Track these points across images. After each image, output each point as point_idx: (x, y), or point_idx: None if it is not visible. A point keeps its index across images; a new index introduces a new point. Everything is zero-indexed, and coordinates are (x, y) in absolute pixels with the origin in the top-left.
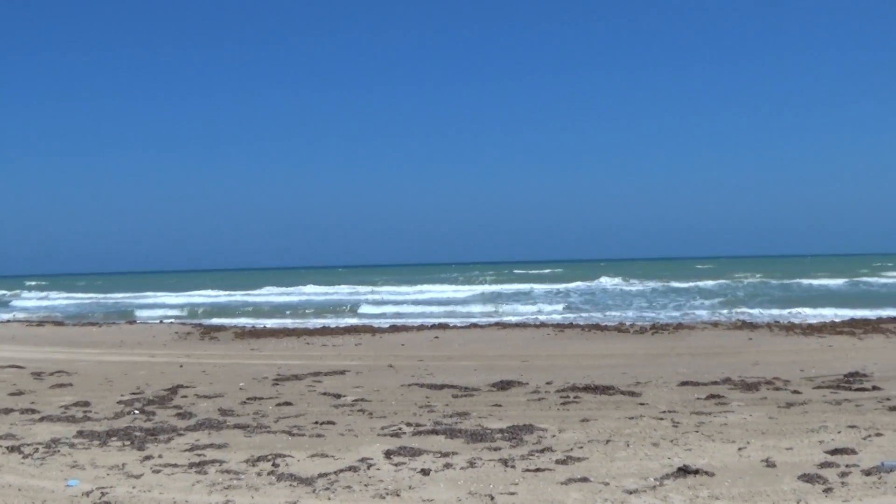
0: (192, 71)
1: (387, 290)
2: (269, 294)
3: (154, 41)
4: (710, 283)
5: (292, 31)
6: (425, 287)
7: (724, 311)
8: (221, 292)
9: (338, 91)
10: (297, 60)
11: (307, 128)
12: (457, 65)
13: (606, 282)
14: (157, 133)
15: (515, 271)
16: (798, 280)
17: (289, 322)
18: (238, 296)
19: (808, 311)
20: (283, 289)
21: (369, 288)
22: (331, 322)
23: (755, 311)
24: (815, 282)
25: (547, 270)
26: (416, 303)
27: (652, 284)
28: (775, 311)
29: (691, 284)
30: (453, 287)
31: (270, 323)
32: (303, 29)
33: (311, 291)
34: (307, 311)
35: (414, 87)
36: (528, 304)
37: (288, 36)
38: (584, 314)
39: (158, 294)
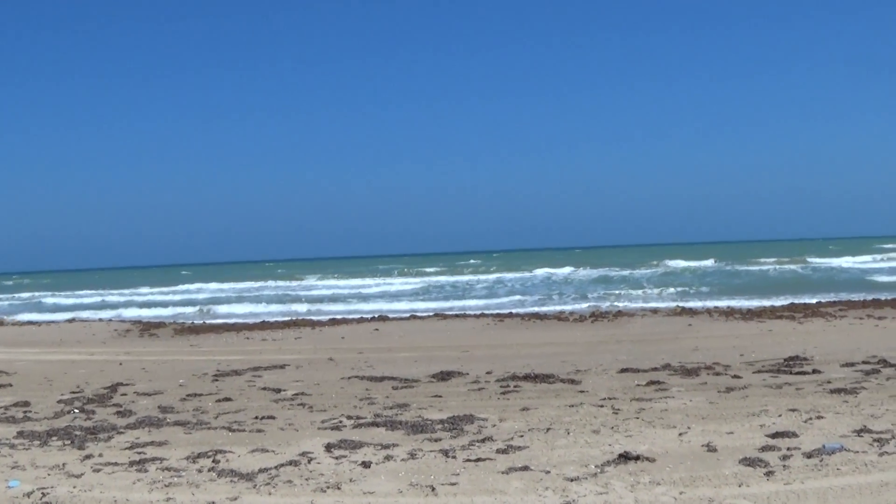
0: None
1: (324, 284)
2: (200, 292)
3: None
4: (646, 271)
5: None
6: (356, 281)
7: (664, 298)
8: (154, 289)
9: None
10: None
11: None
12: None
13: (545, 271)
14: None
15: (458, 263)
16: (739, 266)
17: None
18: (169, 294)
19: (747, 296)
20: (220, 285)
21: (297, 282)
22: (270, 315)
23: (694, 298)
24: (756, 267)
25: (474, 261)
26: (346, 298)
27: (592, 272)
28: (715, 298)
29: (629, 272)
30: (389, 279)
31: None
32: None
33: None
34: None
35: (340, 69)
36: (469, 296)
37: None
38: (523, 303)
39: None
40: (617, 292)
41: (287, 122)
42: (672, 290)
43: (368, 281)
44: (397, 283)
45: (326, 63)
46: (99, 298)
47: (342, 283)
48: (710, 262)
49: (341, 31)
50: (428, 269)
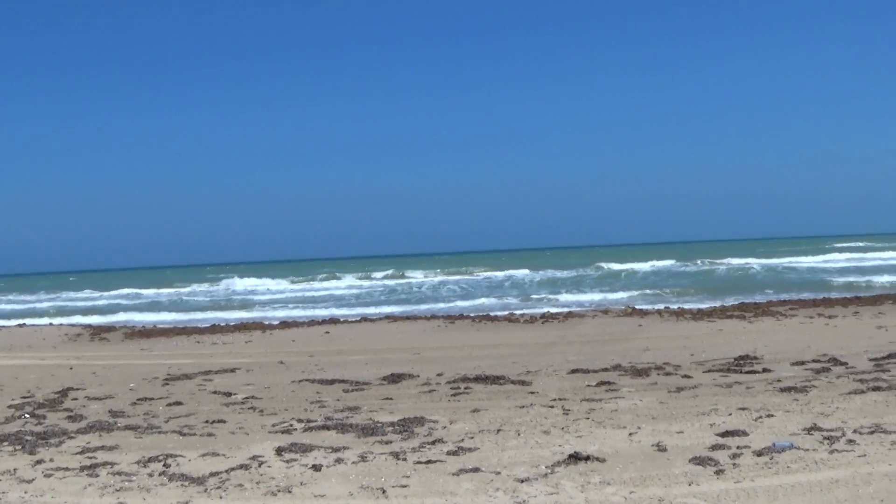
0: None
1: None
2: (151, 296)
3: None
4: (593, 272)
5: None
6: (303, 285)
7: (614, 298)
8: (104, 292)
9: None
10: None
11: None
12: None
13: (490, 274)
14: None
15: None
16: (687, 266)
17: (180, 320)
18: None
19: (698, 296)
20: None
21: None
22: (221, 319)
23: (643, 298)
24: (705, 267)
25: (407, 267)
26: (290, 302)
27: (535, 275)
28: (664, 298)
29: (576, 273)
30: (336, 283)
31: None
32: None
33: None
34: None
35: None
36: (415, 301)
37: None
38: (476, 305)
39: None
40: (563, 293)
41: (222, 125)
42: (622, 293)
43: (315, 285)
44: (343, 287)
45: (263, 63)
46: (48, 304)
47: (273, 285)
48: (658, 263)
49: (279, 32)
50: (376, 274)
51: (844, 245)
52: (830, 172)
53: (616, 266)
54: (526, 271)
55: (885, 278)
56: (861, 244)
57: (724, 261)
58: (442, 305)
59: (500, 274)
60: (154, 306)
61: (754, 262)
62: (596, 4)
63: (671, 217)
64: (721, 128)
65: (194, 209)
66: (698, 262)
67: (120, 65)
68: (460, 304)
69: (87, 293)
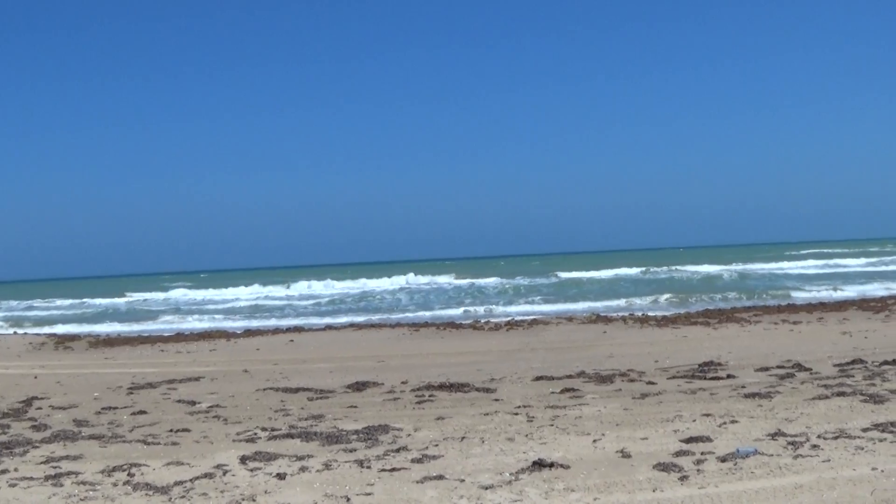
0: None
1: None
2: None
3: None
4: (551, 280)
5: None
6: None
7: (576, 308)
8: (70, 300)
9: None
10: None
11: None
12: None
13: (454, 281)
14: None
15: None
16: (651, 273)
17: (145, 329)
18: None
19: (663, 303)
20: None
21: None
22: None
23: (612, 304)
24: (670, 275)
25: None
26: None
27: (504, 281)
28: (626, 305)
29: (542, 281)
30: (300, 291)
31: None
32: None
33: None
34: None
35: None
36: (372, 309)
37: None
38: (439, 312)
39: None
40: (522, 302)
41: (174, 132)
42: (583, 303)
43: (275, 292)
44: (300, 296)
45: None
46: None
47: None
48: (620, 271)
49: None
50: (340, 282)
51: (812, 251)
52: (799, 179)
53: (577, 274)
54: (493, 279)
55: (851, 286)
56: (829, 250)
57: (687, 268)
58: (405, 315)
59: (463, 282)
60: (112, 315)
61: (719, 269)
62: (552, 10)
63: (635, 225)
64: (689, 135)
65: (147, 217)
66: (662, 268)
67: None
68: (423, 313)
69: (39, 302)
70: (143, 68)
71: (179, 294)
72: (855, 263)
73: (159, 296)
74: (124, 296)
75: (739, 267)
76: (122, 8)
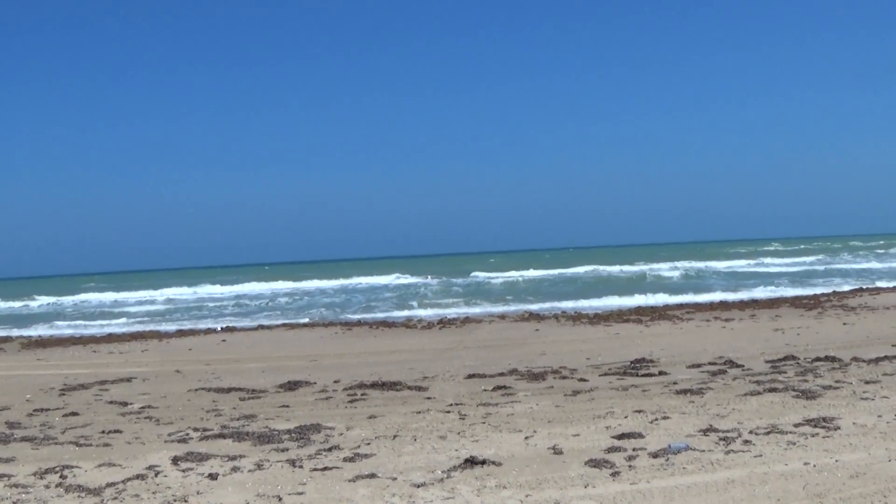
0: None
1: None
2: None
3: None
4: (466, 280)
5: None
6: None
7: (510, 304)
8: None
9: None
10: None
11: None
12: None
13: (389, 280)
14: None
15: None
16: (581, 270)
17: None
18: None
19: (594, 301)
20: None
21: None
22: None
23: (544, 304)
24: (602, 273)
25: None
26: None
27: (436, 280)
28: (561, 303)
29: (472, 278)
30: (231, 289)
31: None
32: None
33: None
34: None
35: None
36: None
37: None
38: (373, 312)
39: None
40: (458, 302)
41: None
42: (517, 296)
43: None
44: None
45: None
46: None
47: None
48: (549, 269)
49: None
50: (271, 283)
51: (746, 250)
52: (720, 179)
53: (494, 274)
54: (411, 276)
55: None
56: (768, 248)
57: (618, 267)
58: (339, 313)
59: (382, 280)
60: (47, 317)
61: (650, 267)
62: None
63: (555, 224)
64: (602, 130)
65: (84, 216)
66: (584, 268)
67: None
68: (358, 312)
69: None
70: (88, 67)
71: (103, 296)
72: (791, 262)
73: (83, 297)
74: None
75: (667, 264)
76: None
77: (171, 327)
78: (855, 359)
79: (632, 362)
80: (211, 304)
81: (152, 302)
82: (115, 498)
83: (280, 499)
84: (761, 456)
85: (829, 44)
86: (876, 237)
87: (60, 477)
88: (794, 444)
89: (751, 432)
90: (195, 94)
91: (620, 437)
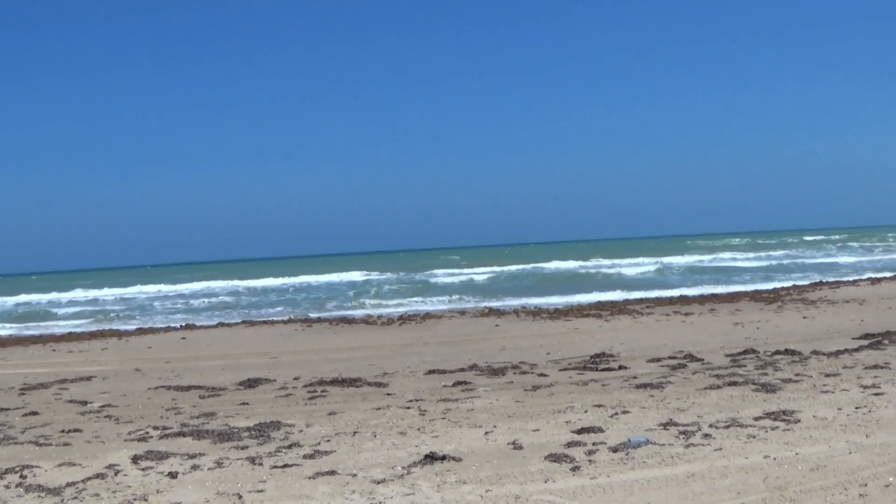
0: None
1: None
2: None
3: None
4: (454, 271)
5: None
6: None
7: (470, 300)
8: None
9: None
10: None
11: None
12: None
13: (348, 276)
14: None
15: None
16: (540, 265)
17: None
18: None
19: (554, 298)
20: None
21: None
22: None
23: (504, 300)
24: (559, 267)
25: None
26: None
27: (396, 276)
28: (520, 299)
29: (432, 274)
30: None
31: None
32: None
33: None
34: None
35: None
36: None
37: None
38: (333, 307)
39: None
40: (418, 298)
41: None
42: (476, 291)
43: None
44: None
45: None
46: None
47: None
48: (510, 264)
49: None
50: (222, 282)
51: (707, 243)
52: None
53: (454, 270)
54: (375, 273)
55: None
56: (729, 243)
57: (578, 263)
58: (300, 310)
59: (343, 277)
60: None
61: (610, 262)
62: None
63: (518, 220)
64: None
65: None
66: (547, 264)
67: None
68: (316, 309)
69: None
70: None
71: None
72: (749, 256)
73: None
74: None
75: (629, 260)
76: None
77: (130, 326)
78: (815, 352)
79: (592, 357)
80: (168, 303)
81: (95, 302)
82: (76, 497)
83: (240, 497)
84: (721, 449)
85: (791, 37)
86: (837, 230)
87: (20, 477)
88: (755, 437)
89: (711, 426)
90: (136, 92)
91: (580, 431)
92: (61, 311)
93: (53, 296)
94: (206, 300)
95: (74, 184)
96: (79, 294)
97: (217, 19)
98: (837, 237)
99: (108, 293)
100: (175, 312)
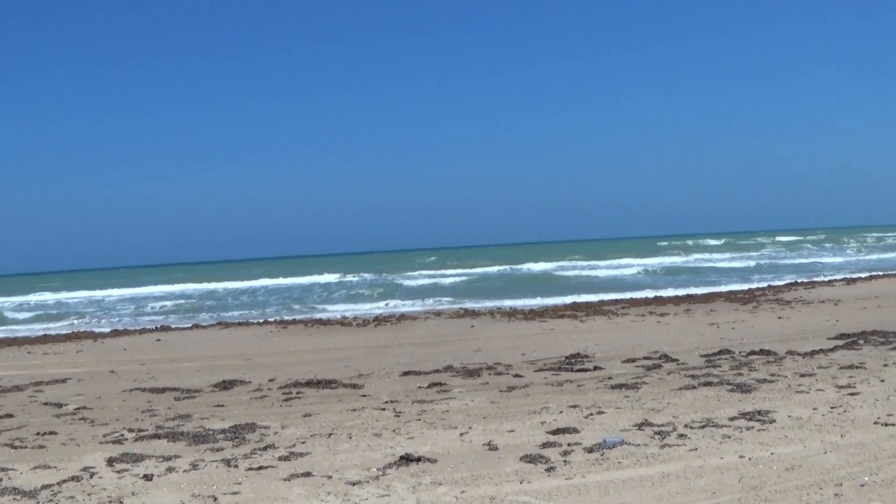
0: None
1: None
2: None
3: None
4: (431, 272)
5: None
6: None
7: (446, 301)
8: None
9: None
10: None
11: None
12: None
13: (324, 278)
14: None
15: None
16: (516, 266)
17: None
18: None
19: (529, 299)
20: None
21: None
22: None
23: (480, 301)
24: (534, 269)
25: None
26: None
27: (369, 277)
28: (495, 301)
29: (407, 276)
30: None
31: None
32: None
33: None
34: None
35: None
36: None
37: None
38: (301, 311)
39: None
40: (394, 301)
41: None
42: (452, 293)
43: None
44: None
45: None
46: None
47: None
48: (485, 266)
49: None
50: (205, 280)
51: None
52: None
53: (431, 272)
54: (351, 275)
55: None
56: (693, 244)
57: (554, 263)
58: (273, 312)
59: (319, 279)
60: None
61: (585, 264)
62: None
63: (497, 220)
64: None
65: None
66: (501, 268)
67: None
68: (291, 310)
69: None
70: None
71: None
72: (719, 258)
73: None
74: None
75: (604, 262)
76: None
77: (104, 328)
78: (790, 352)
79: (567, 358)
80: (137, 305)
81: (62, 305)
82: (51, 500)
83: (215, 499)
84: (696, 450)
85: (766, 38)
86: (814, 231)
87: None
88: (730, 437)
89: (686, 426)
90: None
91: (555, 432)
92: (22, 316)
93: (16, 299)
94: (182, 301)
95: (38, 185)
96: (46, 297)
97: (213, 18)
98: (814, 238)
99: (77, 296)
100: (147, 315)
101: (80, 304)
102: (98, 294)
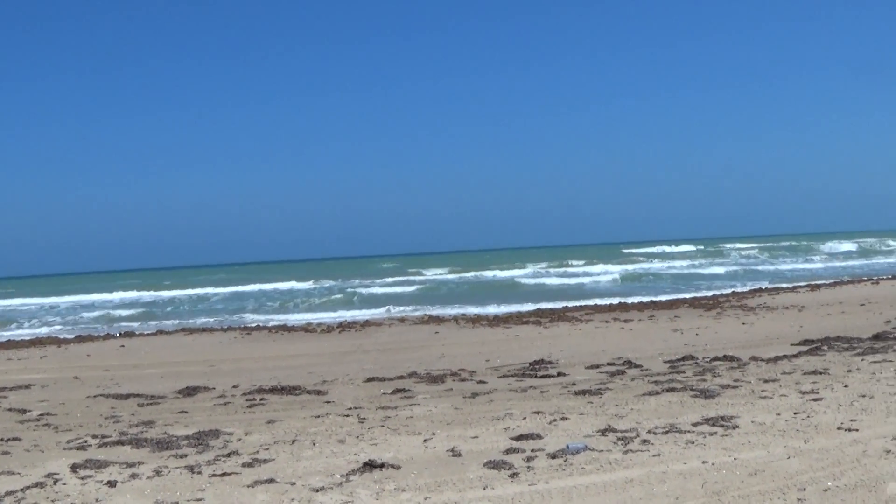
0: None
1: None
2: None
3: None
4: (398, 279)
5: None
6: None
7: (410, 308)
8: None
9: None
10: None
11: None
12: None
13: (288, 284)
14: None
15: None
16: (480, 273)
17: None
18: None
19: (493, 306)
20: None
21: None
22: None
23: (445, 307)
24: (499, 276)
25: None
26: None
27: (332, 284)
28: (459, 307)
29: (371, 282)
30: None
31: None
32: None
33: None
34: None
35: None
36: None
37: None
38: (272, 317)
39: None
40: (359, 309)
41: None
42: (419, 300)
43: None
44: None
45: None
46: None
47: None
48: (450, 272)
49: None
50: (165, 284)
51: (641, 251)
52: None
53: (398, 278)
54: (312, 282)
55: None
56: (658, 251)
57: (521, 270)
58: (237, 318)
59: (282, 286)
60: None
61: (548, 270)
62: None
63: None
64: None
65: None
66: (488, 270)
67: None
68: (255, 316)
69: None
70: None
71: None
72: (683, 265)
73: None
74: None
75: (569, 269)
76: None
77: (69, 334)
78: (753, 358)
79: (531, 364)
80: (108, 310)
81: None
82: None
83: None
84: (660, 455)
85: (731, 41)
86: (780, 238)
87: None
88: (693, 443)
89: (649, 432)
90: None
91: (519, 438)
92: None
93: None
94: (142, 310)
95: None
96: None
97: (212, 19)
98: (776, 245)
99: (31, 301)
100: (109, 322)
101: (40, 310)
102: (54, 300)
